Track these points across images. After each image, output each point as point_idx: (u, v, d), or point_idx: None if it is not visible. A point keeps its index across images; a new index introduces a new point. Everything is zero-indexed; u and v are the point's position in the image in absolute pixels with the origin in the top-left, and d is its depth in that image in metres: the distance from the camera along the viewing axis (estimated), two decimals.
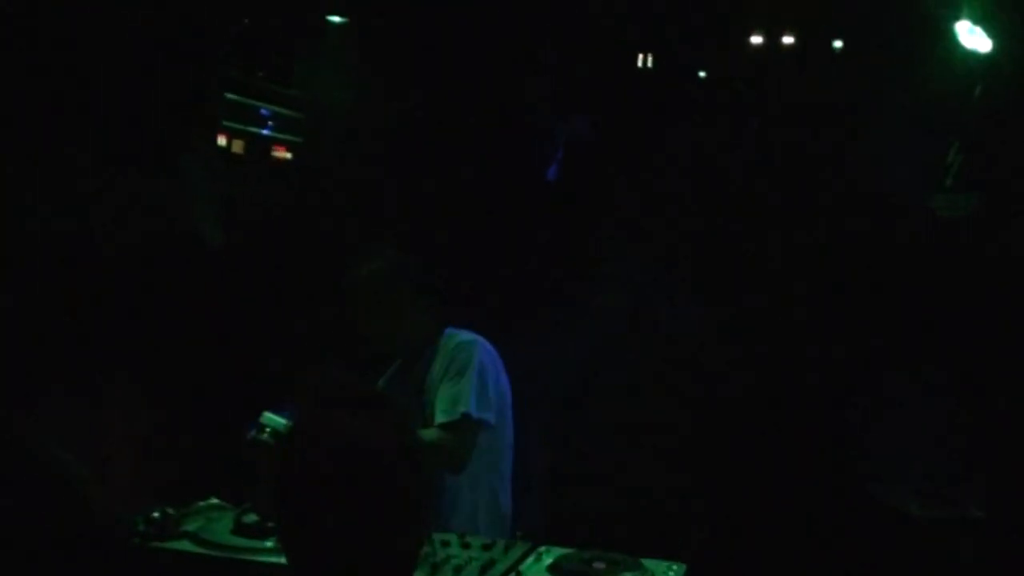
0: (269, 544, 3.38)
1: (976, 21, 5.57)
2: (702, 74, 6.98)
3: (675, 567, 3.38)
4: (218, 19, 5.07)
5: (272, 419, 3.57)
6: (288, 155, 5.46)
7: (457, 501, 4.03)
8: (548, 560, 3.37)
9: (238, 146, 5.03)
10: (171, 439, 4.26)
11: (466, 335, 4.18)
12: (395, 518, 2.02)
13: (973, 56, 5.71)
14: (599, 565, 3.31)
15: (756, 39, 6.63)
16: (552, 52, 6.66)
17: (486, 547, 3.41)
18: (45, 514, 2.58)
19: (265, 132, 5.26)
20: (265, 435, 3.52)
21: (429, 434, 3.90)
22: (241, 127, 5.07)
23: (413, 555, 2.12)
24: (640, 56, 6.94)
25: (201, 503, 3.77)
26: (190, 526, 3.52)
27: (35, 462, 2.88)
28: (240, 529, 3.47)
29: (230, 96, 4.98)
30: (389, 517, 2.02)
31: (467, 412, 3.94)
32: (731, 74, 6.83)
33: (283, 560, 3.23)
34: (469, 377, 4.02)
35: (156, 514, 3.47)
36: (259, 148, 5.22)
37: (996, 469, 5.48)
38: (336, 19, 5.88)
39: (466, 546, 3.42)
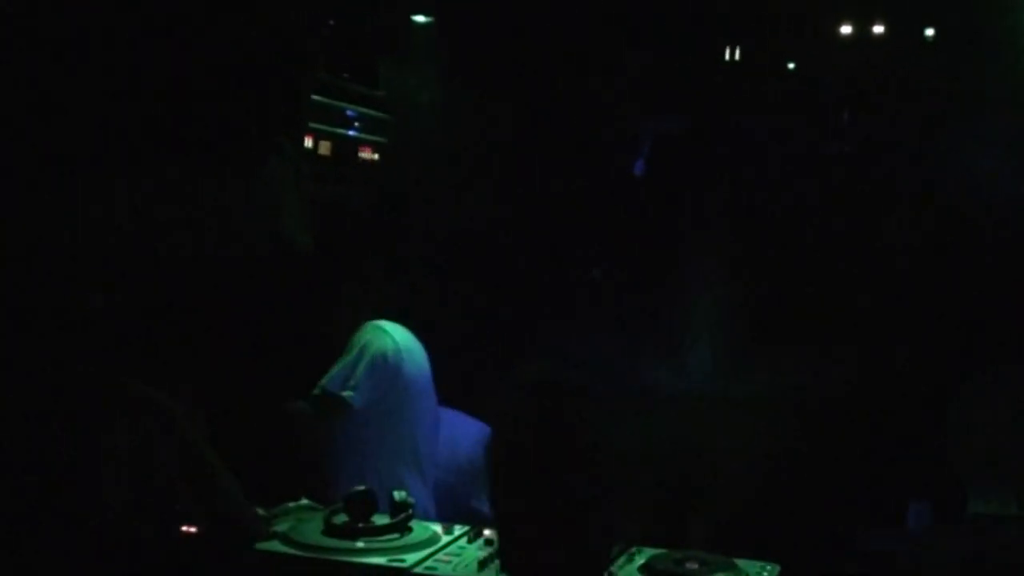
0: (360, 544, 3.41)
1: None
2: (791, 66, 6.88)
3: (769, 567, 3.34)
4: (304, 22, 5.09)
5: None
6: (375, 156, 5.47)
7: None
8: (640, 560, 3.35)
9: (325, 148, 5.05)
10: (261, 441, 4.28)
11: (373, 323, 4.35)
12: (587, 497, 2.16)
13: None
14: (692, 565, 3.28)
15: (845, 29, 6.52)
16: (640, 48, 6.61)
17: None
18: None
19: (351, 133, 5.28)
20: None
21: (298, 407, 4.17)
22: (327, 129, 5.10)
23: (609, 538, 2.28)
24: (727, 49, 6.86)
25: (291, 504, 3.80)
26: (281, 527, 3.55)
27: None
28: (330, 530, 3.49)
29: (316, 98, 5.00)
30: (582, 496, 2.15)
31: (324, 386, 4.16)
32: (821, 65, 6.74)
33: (373, 560, 3.28)
34: (347, 357, 4.21)
35: None
36: (346, 149, 5.24)
37: None
38: (421, 19, 5.89)
39: None
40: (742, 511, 5.31)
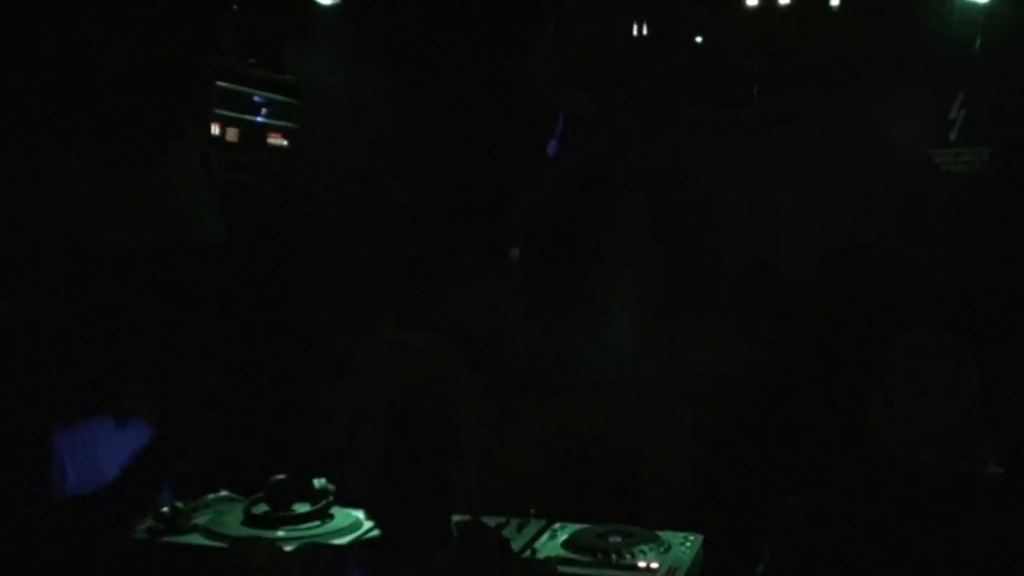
0: (281, 534, 3.37)
1: None
2: (698, 39, 6.89)
3: (692, 538, 3.35)
4: (207, 6, 5.03)
5: None
6: (284, 142, 5.42)
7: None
8: (563, 536, 3.35)
9: (232, 134, 4.99)
10: (178, 435, 4.23)
11: None
12: (435, 446, 2.36)
13: (972, 7, 5.66)
14: (615, 539, 3.28)
15: (751, 1, 6.53)
16: (549, 25, 6.60)
17: (499, 526, 3.38)
18: None
19: (259, 119, 5.22)
20: None
21: None
22: (235, 115, 5.03)
23: (451, 480, 2.41)
24: (635, 24, 6.84)
25: (211, 496, 3.76)
26: (200, 519, 3.51)
27: None
28: (251, 520, 3.46)
29: (221, 84, 4.93)
30: (430, 444, 2.35)
31: None
32: (728, 38, 6.76)
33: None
34: None
35: (166, 509, 3.46)
36: (254, 136, 5.18)
37: (1010, 426, 5.43)
38: (327, 1, 5.82)
39: None
40: (666, 486, 5.34)
